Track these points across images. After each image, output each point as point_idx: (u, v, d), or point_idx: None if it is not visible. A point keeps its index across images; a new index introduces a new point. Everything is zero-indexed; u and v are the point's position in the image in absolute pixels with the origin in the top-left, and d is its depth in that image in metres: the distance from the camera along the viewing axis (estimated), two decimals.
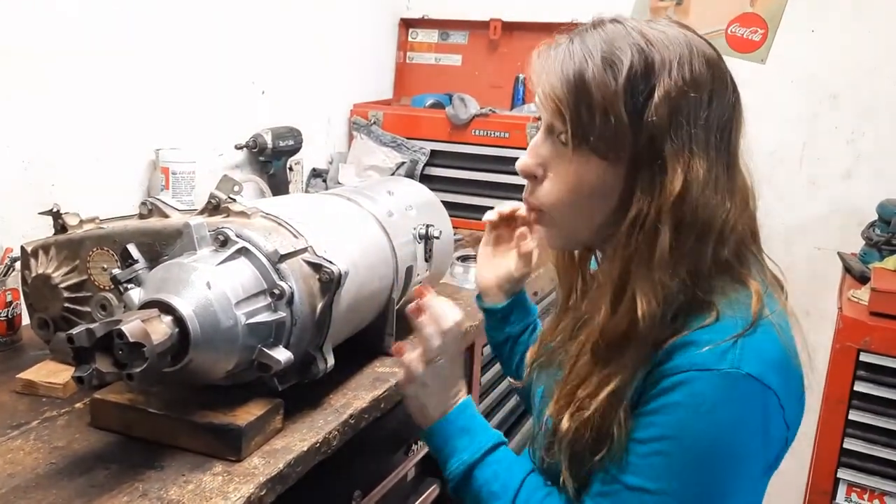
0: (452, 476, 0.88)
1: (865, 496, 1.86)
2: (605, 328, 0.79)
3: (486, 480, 0.85)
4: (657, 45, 0.77)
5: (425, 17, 2.56)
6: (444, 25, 2.54)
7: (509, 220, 1.12)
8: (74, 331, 0.80)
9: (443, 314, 0.92)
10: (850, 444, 1.85)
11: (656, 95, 0.75)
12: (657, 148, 0.76)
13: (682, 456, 0.74)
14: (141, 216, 1.08)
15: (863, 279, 1.98)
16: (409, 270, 1.25)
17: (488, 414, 1.75)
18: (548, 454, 0.85)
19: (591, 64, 0.77)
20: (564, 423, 0.80)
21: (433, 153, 2.18)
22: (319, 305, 0.99)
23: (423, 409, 0.93)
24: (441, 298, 0.96)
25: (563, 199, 0.82)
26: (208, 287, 0.90)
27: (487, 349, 1.65)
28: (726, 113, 0.80)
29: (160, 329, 0.84)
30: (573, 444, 0.80)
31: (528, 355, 1.02)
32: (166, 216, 1.07)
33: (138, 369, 0.81)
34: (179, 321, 0.87)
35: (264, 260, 0.95)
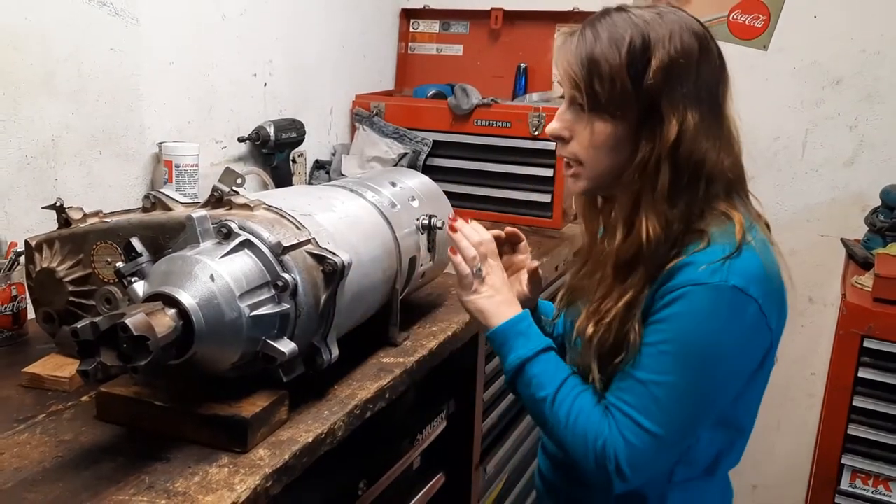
0: (509, 370, 1.04)
1: (870, 482, 1.87)
2: (619, 250, 0.98)
3: (535, 374, 1.01)
4: (652, 24, 0.95)
5: (426, 8, 2.55)
6: (445, 15, 2.53)
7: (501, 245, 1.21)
8: (79, 324, 0.80)
9: (473, 231, 1.10)
10: (855, 431, 1.85)
11: (653, 64, 0.93)
12: (656, 106, 0.94)
13: (681, 354, 0.93)
14: (144, 209, 1.09)
15: (866, 265, 1.97)
16: (413, 261, 1.25)
17: (493, 402, 1.76)
18: (582, 361, 1.02)
19: (599, 45, 0.96)
20: (590, 329, 0.99)
21: (435, 144, 2.18)
22: (323, 297, 0.99)
23: (482, 313, 1.07)
24: (471, 222, 1.12)
25: (585, 153, 1.00)
26: (212, 279, 0.90)
27: None
28: (713, 75, 0.97)
29: (164, 322, 0.85)
30: (599, 349, 0.98)
31: (558, 297, 1.16)
32: (170, 209, 1.07)
33: (143, 362, 0.81)
34: (183, 314, 0.87)
35: (268, 252, 0.95)
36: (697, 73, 0.95)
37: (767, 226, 1.04)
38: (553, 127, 1.03)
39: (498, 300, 1.07)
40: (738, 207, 0.99)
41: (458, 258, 1.07)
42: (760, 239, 0.97)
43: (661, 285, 0.94)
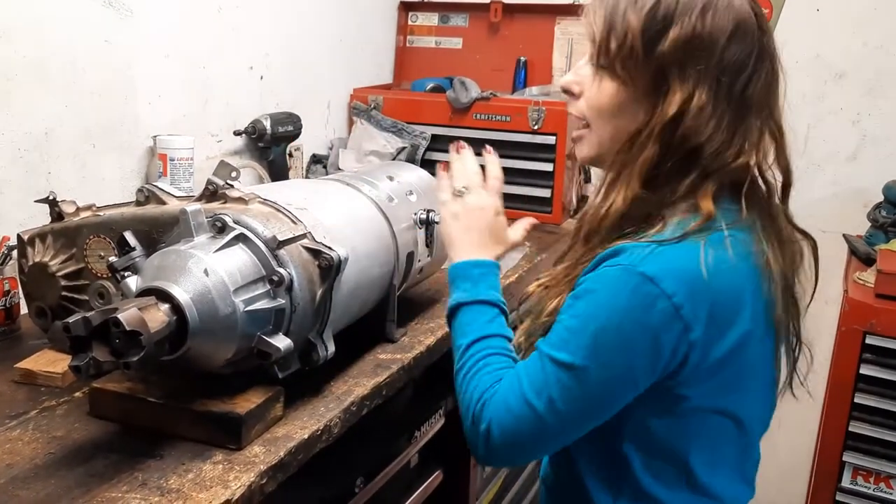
0: (447, 311, 1.03)
1: (871, 479, 1.86)
2: (587, 215, 0.96)
3: (465, 321, 1.00)
4: None
5: (425, 0, 2.53)
6: (444, 8, 2.51)
7: None
8: (71, 319, 0.79)
9: (470, 159, 1.12)
10: (856, 428, 1.84)
11: (671, 33, 0.88)
12: (665, 77, 0.89)
13: (576, 332, 0.87)
14: (138, 203, 1.07)
15: (868, 261, 1.96)
16: (410, 256, 1.24)
17: None
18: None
19: (623, 3, 0.91)
20: (533, 292, 0.99)
21: (434, 138, 2.17)
22: (319, 292, 0.97)
23: (449, 241, 1.08)
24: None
25: (590, 112, 0.96)
26: (206, 274, 0.89)
27: None
28: (742, 62, 0.90)
29: (157, 317, 0.83)
30: (535, 316, 0.97)
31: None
32: (163, 203, 1.05)
33: (135, 358, 0.80)
34: (177, 309, 0.86)
35: (263, 246, 0.94)
36: (722, 56, 0.88)
37: (770, 241, 0.93)
38: (566, 79, 1.00)
39: (471, 238, 1.06)
40: (720, 205, 0.90)
41: (444, 176, 1.08)
42: (721, 240, 0.87)
43: (601, 261, 0.89)
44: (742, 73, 0.90)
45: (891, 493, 1.84)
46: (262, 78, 1.93)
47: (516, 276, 1.62)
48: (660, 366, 0.86)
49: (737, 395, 0.92)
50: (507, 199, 2.05)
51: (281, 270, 0.93)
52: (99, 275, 1.08)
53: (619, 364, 0.86)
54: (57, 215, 1.12)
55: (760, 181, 0.96)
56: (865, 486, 1.87)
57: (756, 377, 0.95)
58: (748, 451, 1.00)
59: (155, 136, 1.60)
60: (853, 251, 2.05)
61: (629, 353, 0.86)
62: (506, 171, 2.07)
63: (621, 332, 0.85)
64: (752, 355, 0.91)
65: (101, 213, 1.10)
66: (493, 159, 1.12)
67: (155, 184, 1.09)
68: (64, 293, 1.10)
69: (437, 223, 1.27)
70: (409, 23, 2.57)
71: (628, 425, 0.92)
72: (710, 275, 0.84)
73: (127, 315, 0.79)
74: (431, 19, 2.54)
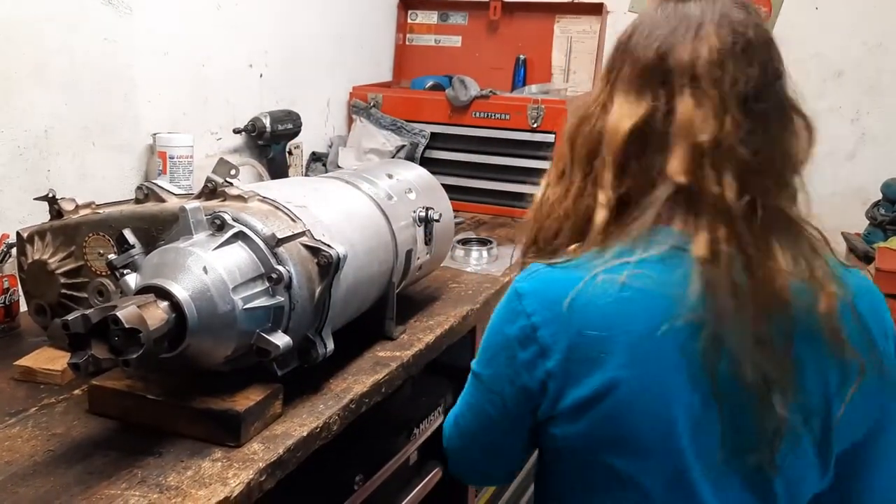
0: None
1: None
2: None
3: None
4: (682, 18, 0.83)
5: None
6: (443, 6, 2.51)
7: None
8: (70, 317, 0.79)
9: None
10: None
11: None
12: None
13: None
14: (137, 201, 1.07)
15: (867, 259, 1.96)
16: (409, 254, 1.24)
17: None
18: None
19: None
20: None
21: (433, 136, 2.17)
22: (318, 290, 0.98)
23: None
24: None
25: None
26: (205, 272, 0.89)
27: None
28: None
29: (156, 314, 0.83)
30: None
31: None
32: (163, 201, 1.05)
33: (134, 355, 0.80)
34: (176, 306, 0.86)
35: (262, 244, 0.94)
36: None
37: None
38: None
39: None
40: (659, 229, 0.80)
41: None
42: (618, 268, 0.78)
43: None
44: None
45: None
46: (261, 76, 1.93)
47: (515, 273, 1.62)
48: (521, 386, 0.84)
49: (623, 453, 0.80)
50: (507, 197, 2.10)
51: (280, 268, 0.93)
52: (98, 272, 1.08)
53: (489, 375, 0.89)
54: (56, 213, 1.12)
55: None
56: None
57: (655, 438, 0.79)
58: None
59: (154, 134, 1.60)
60: (852, 249, 2.05)
61: (495, 363, 0.87)
62: (505, 169, 2.11)
63: (491, 341, 0.89)
64: (635, 409, 0.78)
65: (101, 211, 1.10)
66: None
67: (154, 181, 1.09)
68: (63, 291, 1.10)
69: (436, 221, 1.27)
70: (409, 21, 2.57)
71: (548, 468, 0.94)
72: (573, 308, 0.78)
73: (126, 313, 0.79)
74: (431, 17, 2.54)
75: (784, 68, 0.85)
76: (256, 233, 0.94)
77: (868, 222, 2.07)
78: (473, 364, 0.92)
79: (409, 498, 1.36)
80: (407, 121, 2.18)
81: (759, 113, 0.80)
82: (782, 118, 0.83)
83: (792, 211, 0.82)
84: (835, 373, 0.80)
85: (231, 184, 1.03)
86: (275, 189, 1.08)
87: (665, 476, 0.80)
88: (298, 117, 1.94)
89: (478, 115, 2.12)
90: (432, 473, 1.43)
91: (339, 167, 2.10)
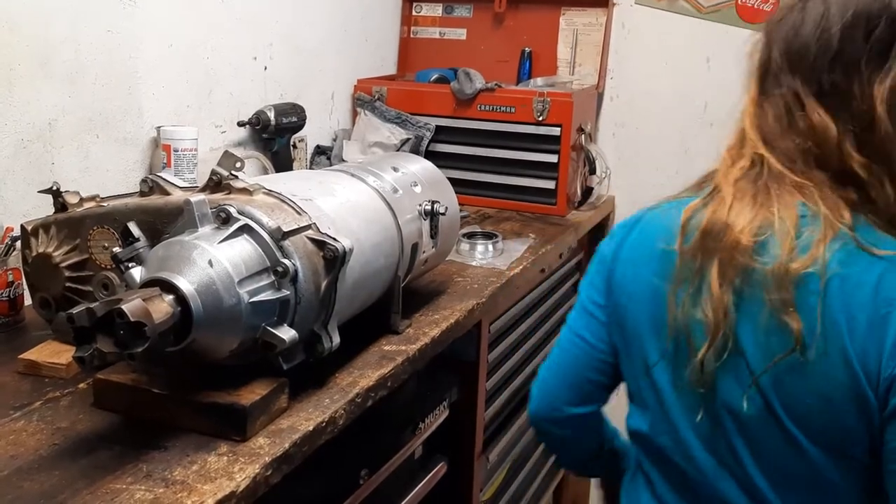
0: None
1: None
2: None
3: None
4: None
5: None
6: None
7: None
8: (75, 310, 0.79)
9: None
10: None
11: None
12: None
13: None
14: (142, 194, 1.07)
15: None
16: (415, 247, 1.24)
17: (496, 391, 1.74)
18: None
19: None
20: None
21: (438, 129, 2.15)
22: (324, 283, 0.97)
23: None
24: None
25: None
26: (210, 265, 0.88)
27: (495, 326, 1.64)
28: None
29: (162, 308, 0.83)
30: None
31: None
32: (167, 194, 1.05)
33: (140, 349, 0.80)
34: (181, 300, 0.86)
35: (267, 237, 0.93)
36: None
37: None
38: None
39: None
40: (707, 184, 0.93)
41: None
42: (676, 203, 0.94)
43: None
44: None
45: None
46: (265, 68, 1.92)
47: (521, 267, 1.62)
48: (604, 292, 1.00)
49: (621, 342, 0.99)
50: (512, 190, 2.10)
51: (285, 261, 0.93)
52: (103, 266, 1.08)
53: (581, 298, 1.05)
54: (60, 206, 1.11)
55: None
56: None
57: (636, 336, 0.97)
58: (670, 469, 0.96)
59: (158, 127, 1.59)
60: None
61: (584, 287, 1.05)
62: (510, 162, 2.10)
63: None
64: (629, 325, 0.97)
65: (105, 204, 1.10)
66: None
67: (159, 174, 1.08)
68: (68, 284, 1.10)
69: (441, 214, 1.27)
70: (414, 13, 2.55)
71: None
72: (646, 226, 0.97)
73: (131, 306, 0.79)
74: (435, 10, 2.52)
75: None
76: (262, 226, 0.94)
77: None
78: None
79: (413, 492, 1.35)
80: (412, 114, 2.17)
81: None
82: None
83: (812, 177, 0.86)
84: (778, 338, 0.83)
85: (236, 177, 1.03)
86: (280, 182, 1.07)
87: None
88: (303, 110, 1.94)
89: (483, 108, 2.11)
90: (437, 468, 1.43)
91: (343, 160, 2.09)
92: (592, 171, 2.16)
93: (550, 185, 2.06)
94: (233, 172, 1.03)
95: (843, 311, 0.80)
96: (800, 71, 0.87)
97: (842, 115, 0.84)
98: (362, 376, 1.08)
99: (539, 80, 2.27)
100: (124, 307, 0.78)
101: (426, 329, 1.25)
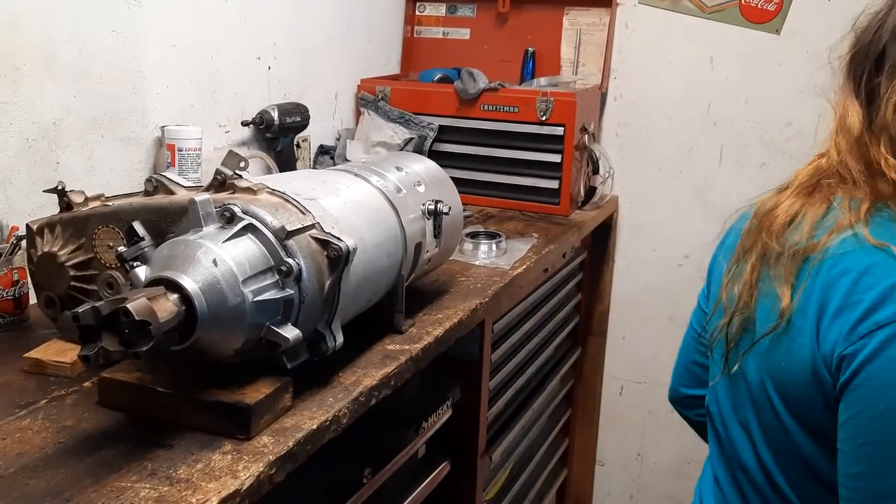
0: None
1: None
2: None
3: None
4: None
5: None
6: None
7: None
8: (80, 309, 0.79)
9: None
10: None
11: None
12: None
13: None
14: (146, 193, 1.07)
15: None
16: (418, 247, 1.24)
17: (499, 391, 1.74)
18: None
19: None
20: None
21: (441, 129, 2.16)
22: (328, 282, 0.97)
23: None
24: None
25: None
26: (214, 264, 0.88)
27: (498, 325, 1.64)
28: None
29: (166, 307, 0.83)
30: None
31: None
32: (172, 193, 1.05)
33: (144, 348, 0.80)
34: (186, 299, 0.86)
35: (271, 236, 0.94)
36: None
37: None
38: None
39: None
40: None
41: None
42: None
43: None
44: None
45: None
46: (269, 68, 1.93)
47: (524, 267, 1.62)
48: (707, 281, 1.09)
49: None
50: (516, 190, 2.10)
51: (290, 261, 0.93)
52: (108, 265, 1.08)
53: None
54: (66, 205, 1.12)
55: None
56: None
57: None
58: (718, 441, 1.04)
59: (163, 127, 1.59)
60: None
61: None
62: (514, 162, 2.10)
63: None
64: (711, 306, 1.04)
65: (110, 203, 1.10)
66: None
67: (163, 174, 1.09)
68: (73, 283, 1.10)
69: (445, 214, 1.27)
70: (417, 13, 2.56)
71: None
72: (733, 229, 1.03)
73: (136, 305, 0.79)
74: (439, 9, 2.52)
75: None
76: (266, 225, 0.94)
77: None
78: None
79: (417, 492, 1.36)
80: (415, 113, 2.17)
81: None
82: None
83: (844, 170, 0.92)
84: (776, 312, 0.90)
85: (241, 176, 1.03)
86: (284, 181, 1.08)
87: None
88: (306, 110, 1.94)
89: (486, 107, 2.11)
90: (440, 467, 1.43)
91: (347, 160, 2.09)
92: (596, 171, 2.16)
93: (554, 184, 2.06)
94: (237, 172, 1.03)
95: (823, 293, 0.84)
96: (851, 71, 0.97)
97: (874, 116, 0.91)
98: (366, 375, 1.08)
99: (542, 80, 2.27)
100: (129, 306, 0.79)
101: (429, 328, 1.25)
